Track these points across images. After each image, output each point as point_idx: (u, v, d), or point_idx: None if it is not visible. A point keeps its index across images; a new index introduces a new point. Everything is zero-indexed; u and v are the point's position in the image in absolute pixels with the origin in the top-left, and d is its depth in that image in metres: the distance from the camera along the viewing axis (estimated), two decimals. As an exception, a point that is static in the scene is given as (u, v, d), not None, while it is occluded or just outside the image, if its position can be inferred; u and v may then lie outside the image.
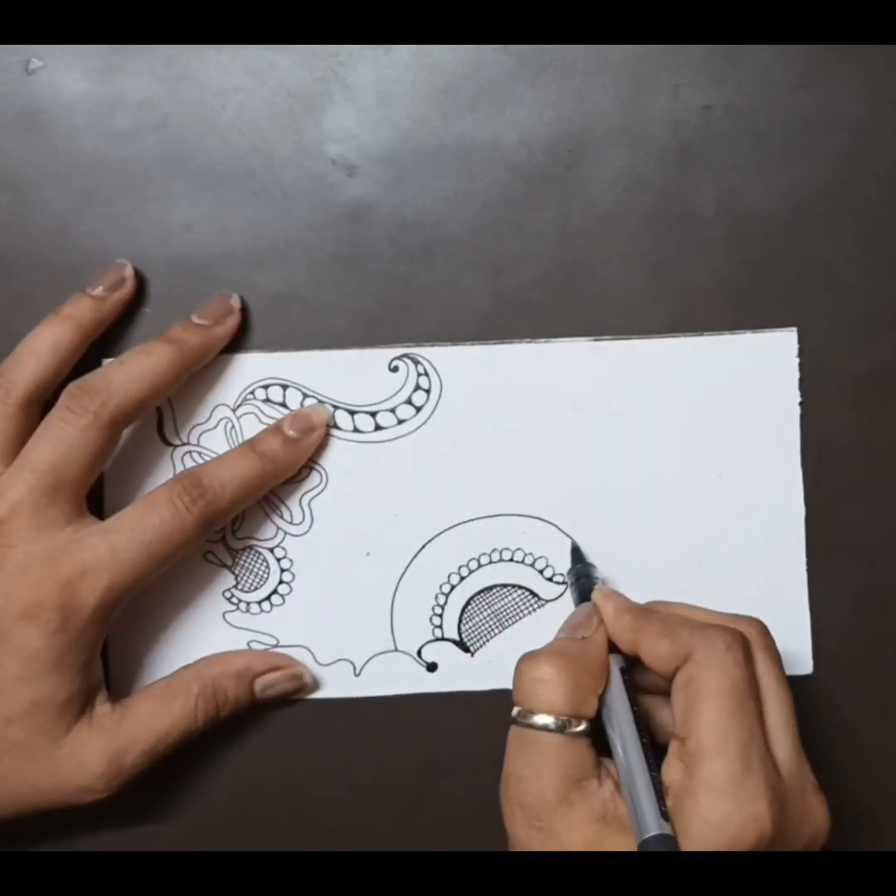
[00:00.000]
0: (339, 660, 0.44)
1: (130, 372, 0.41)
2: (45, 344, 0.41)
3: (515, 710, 0.38)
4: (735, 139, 0.44)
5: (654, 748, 0.38)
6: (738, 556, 0.45)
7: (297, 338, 0.44)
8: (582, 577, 0.43)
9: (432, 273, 0.44)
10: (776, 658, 0.39)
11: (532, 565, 0.45)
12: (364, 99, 0.44)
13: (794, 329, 0.44)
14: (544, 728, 0.37)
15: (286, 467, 0.43)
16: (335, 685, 0.44)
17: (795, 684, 0.39)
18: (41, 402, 0.42)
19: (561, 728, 0.37)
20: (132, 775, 0.41)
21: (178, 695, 0.42)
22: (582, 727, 0.37)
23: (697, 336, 0.44)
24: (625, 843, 0.36)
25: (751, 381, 0.44)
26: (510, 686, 0.39)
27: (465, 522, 0.45)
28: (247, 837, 0.45)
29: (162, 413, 0.44)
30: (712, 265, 0.44)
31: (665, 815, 0.35)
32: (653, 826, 0.35)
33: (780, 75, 0.44)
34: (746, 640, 0.38)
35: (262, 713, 0.44)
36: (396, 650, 0.44)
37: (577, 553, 0.44)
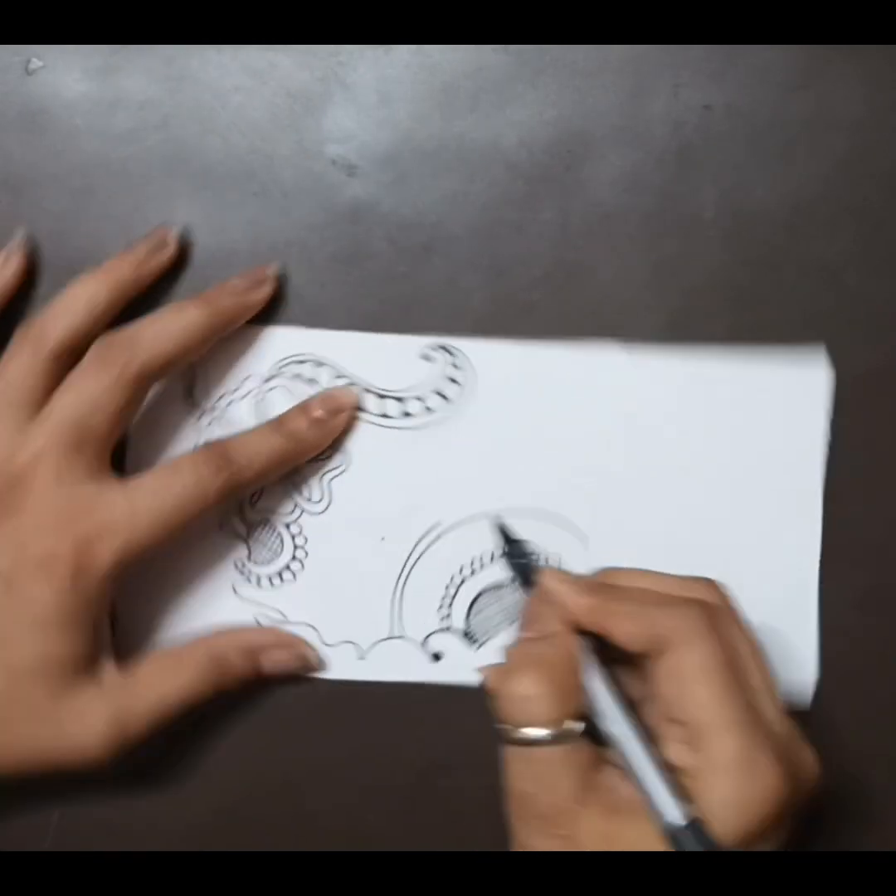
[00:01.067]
0: (345, 642, 0.44)
1: (160, 329, 0.41)
2: (80, 300, 0.41)
3: (505, 728, 0.37)
4: (735, 139, 0.44)
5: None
6: (750, 579, 0.43)
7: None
8: (520, 558, 0.42)
9: (432, 273, 0.44)
10: (743, 622, 0.38)
11: (546, 564, 0.44)
12: (364, 99, 0.44)
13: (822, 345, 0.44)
14: (541, 742, 0.36)
15: (311, 447, 0.43)
16: (340, 667, 0.44)
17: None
18: (74, 357, 0.41)
19: (559, 738, 0.36)
20: (134, 742, 0.40)
21: (188, 666, 0.42)
22: (579, 727, 0.37)
23: (728, 348, 0.44)
24: (640, 830, 0.35)
25: (781, 402, 0.44)
26: None
27: (482, 516, 0.44)
28: (246, 837, 0.45)
29: (194, 376, 0.44)
30: (712, 265, 0.44)
31: (684, 797, 0.35)
32: (680, 812, 0.35)
33: (780, 75, 0.44)
34: (712, 610, 0.37)
35: (261, 711, 0.44)
36: (403, 637, 0.44)
37: (504, 531, 0.43)
